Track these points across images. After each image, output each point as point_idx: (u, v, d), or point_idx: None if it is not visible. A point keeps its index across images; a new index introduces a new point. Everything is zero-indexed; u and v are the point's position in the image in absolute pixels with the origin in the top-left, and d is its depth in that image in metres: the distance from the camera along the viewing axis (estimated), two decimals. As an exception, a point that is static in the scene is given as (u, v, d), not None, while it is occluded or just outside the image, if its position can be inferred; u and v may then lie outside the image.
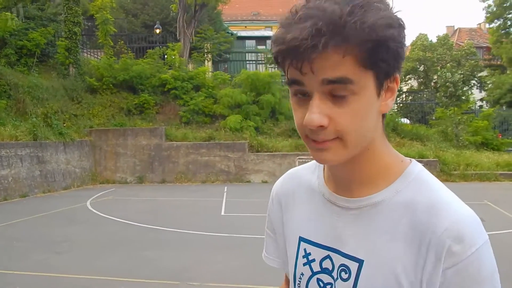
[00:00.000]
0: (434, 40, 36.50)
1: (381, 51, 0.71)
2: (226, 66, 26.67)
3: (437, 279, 0.75)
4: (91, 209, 10.52)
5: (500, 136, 21.64)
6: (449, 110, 21.03)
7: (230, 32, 28.28)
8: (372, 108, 0.76)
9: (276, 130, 18.09)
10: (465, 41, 39.54)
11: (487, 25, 37.54)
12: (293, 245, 0.94)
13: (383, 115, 0.81)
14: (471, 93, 29.61)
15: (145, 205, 11.49)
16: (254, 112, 18.00)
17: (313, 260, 0.89)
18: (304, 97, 0.75)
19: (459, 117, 20.27)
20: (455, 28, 48.21)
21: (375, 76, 0.73)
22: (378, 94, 0.76)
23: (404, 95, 30.72)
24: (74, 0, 18.43)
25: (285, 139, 17.34)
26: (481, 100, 34.60)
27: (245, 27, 36.49)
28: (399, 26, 0.73)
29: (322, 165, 0.94)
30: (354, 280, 0.82)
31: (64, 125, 15.38)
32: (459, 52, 34.45)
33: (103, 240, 7.37)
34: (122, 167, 16.32)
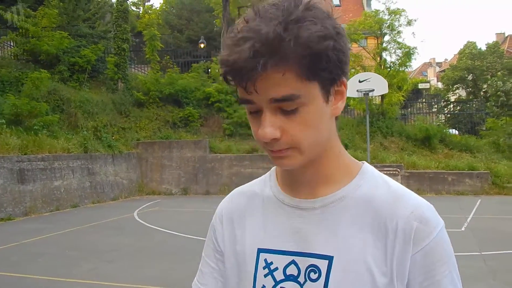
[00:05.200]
0: (483, 48, 35.28)
1: (320, 63, 0.73)
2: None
3: (407, 264, 0.79)
4: (138, 219, 10.79)
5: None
6: (501, 120, 20.19)
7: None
8: (322, 115, 0.79)
9: (319, 142, 17.96)
10: (517, 48, 37.96)
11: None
12: (250, 261, 0.89)
13: (336, 117, 0.85)
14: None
15: (189, 216, 11.67)
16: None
17: (276, 269, 0.86)
18: (257, 114, 0.78)
19: (512, 127, 19.43)
20: (506, 35, 46.38)
21: (320, 86, 0.76)
22: (327, 101, 0.79)
23: (452, 105, 29.76)
24: (123, 18, 19.16)
25: (329, 151, 17.18)
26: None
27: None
28: (337, 34, 0.75)
29: (274, 176, 0.95)
30: (325, 278, 0.81)
31: (113, 138, 15.92)
32: (510, 60, 33.07)
33: (149, 250, 7.54)
34: (168, 179, 16.67)
